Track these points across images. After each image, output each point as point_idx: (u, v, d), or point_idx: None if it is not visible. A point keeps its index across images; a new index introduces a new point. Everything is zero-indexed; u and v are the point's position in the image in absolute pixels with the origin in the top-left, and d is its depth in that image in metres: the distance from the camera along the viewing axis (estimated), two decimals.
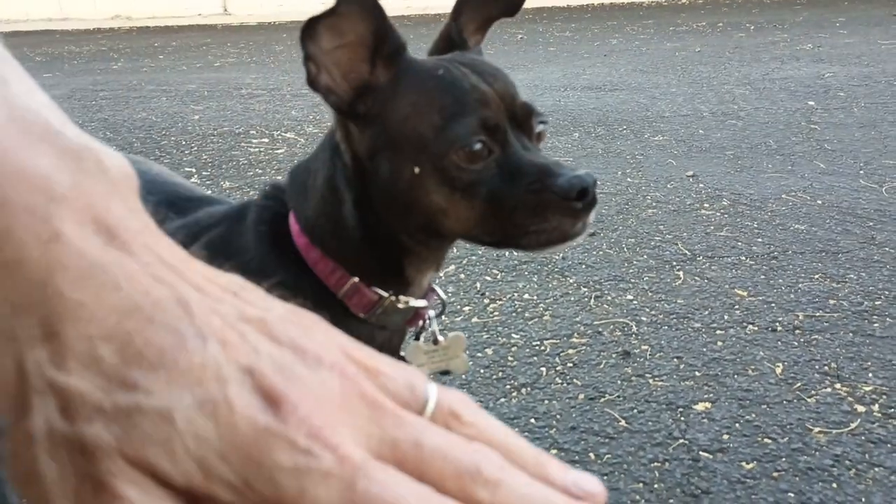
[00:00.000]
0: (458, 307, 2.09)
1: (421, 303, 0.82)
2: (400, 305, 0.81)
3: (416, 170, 0.70)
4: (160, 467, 0.22)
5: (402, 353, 0.90)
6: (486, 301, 2.13)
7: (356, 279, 0.78)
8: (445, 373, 0.89)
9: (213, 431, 0.22)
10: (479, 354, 1.85)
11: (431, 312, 0.86)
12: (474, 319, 2.03)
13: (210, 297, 0.25)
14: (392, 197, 0.74)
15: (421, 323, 0.87)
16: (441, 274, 2.28)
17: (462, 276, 2.29)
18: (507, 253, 2.43)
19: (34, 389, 0.22)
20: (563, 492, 0.28)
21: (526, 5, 0.84)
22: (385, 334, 0.85)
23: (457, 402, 0.29)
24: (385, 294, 0.79)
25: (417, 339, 0.88)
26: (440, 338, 0.87)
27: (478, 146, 0.70)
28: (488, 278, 2.27)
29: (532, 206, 0.71)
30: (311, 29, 0.67)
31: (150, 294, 0.23)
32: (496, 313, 2.06)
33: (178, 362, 0.23)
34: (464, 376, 1.75)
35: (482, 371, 1.77)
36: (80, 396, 0.22)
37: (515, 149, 0.73)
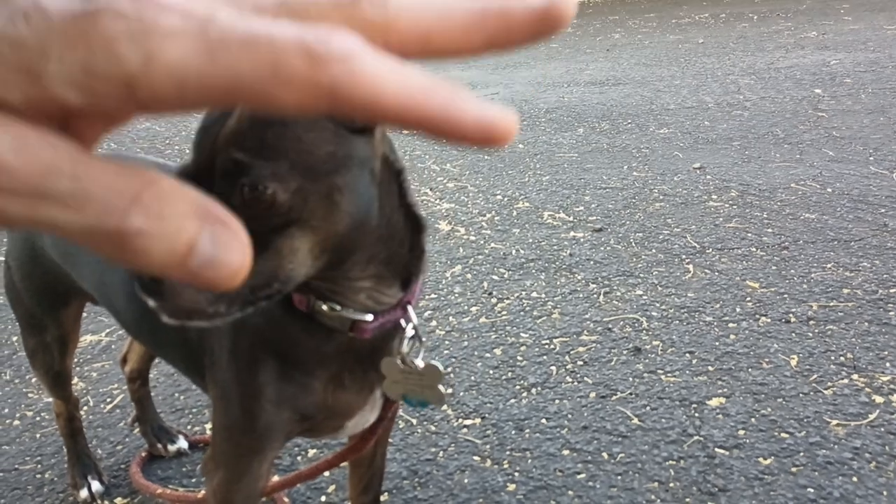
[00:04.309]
0: (466, 307, 2.07)
1: (355, 315, 0.79)
2: (324, 308, 0.79)
3: None
4: None
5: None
6: (494, 300, 2.10)
7: None
8: (424, 403, 0.86)
9: (28, 34, 0.19)
10: (488, 355, 1.82)
11: (409, 331, 0.83)
12: (482, 319, 2.00)
13: None
14: None
15: (397, 341, 0.84)
16: (448, 275, 2.25)
17: (469, 276, 2.26)
18: (513, 251, 2.40)
19: None
20: None
21: None
22: (342, 339, 0.82)
23: None
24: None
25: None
26: (417, 361, 0.84)
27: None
28: (495, 277, 2.24)
29: None
30: None
31: None
32: (504, 313, 2.03)
33: None
34: (472, 377, 1.72)
35: (491, 372, 1.75)
36: None
37: None
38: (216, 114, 0.66)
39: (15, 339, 2.06)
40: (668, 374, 1.69)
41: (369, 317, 0.80)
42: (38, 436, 1.65)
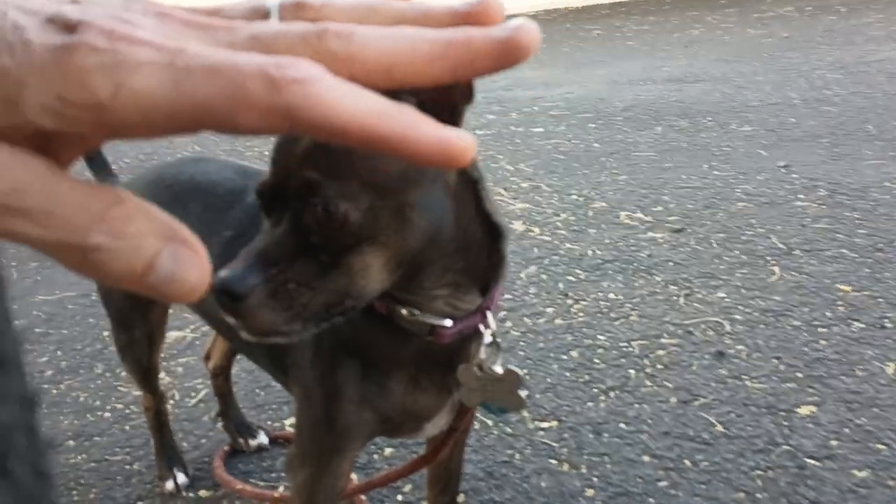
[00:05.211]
0: (541, 309, 2.04)
1: (434, 320, 0.79)
2: (404, 312, 0.79)
3: None
4: None
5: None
6: (570, 302, 2.07)
7: None
8: (503, 410, 0.85)
9: (11, 64, 0.21)
10: (564, 357, 1.79)
11: (486, 338, 0.82)
12: (558, 321, 1.97)
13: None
14: None
15: (475, 346, 0.84)
16: (524, 275, 2.24)
17: (544, 276, 2.23)
18: (589, 251, 2.36)
19: None
20: (445, 17, 0.25)
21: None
22: (421, 343, 0.82)
23: None
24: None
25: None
26: (496, 367, 0.83)
27: None
28: (571, 278, 2.21)
29: None
30: None
31: None
32: (580, 314, 2.00)
33: None
34: (548, 380, 1.70)
35: (568, 374, 1.72)
36: None
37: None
38: None
39: (106, 334, 2.15)
40: (754, 380, 1.62)
41: (448, 322, 0.80)
42: (127, 428, 1.72)
